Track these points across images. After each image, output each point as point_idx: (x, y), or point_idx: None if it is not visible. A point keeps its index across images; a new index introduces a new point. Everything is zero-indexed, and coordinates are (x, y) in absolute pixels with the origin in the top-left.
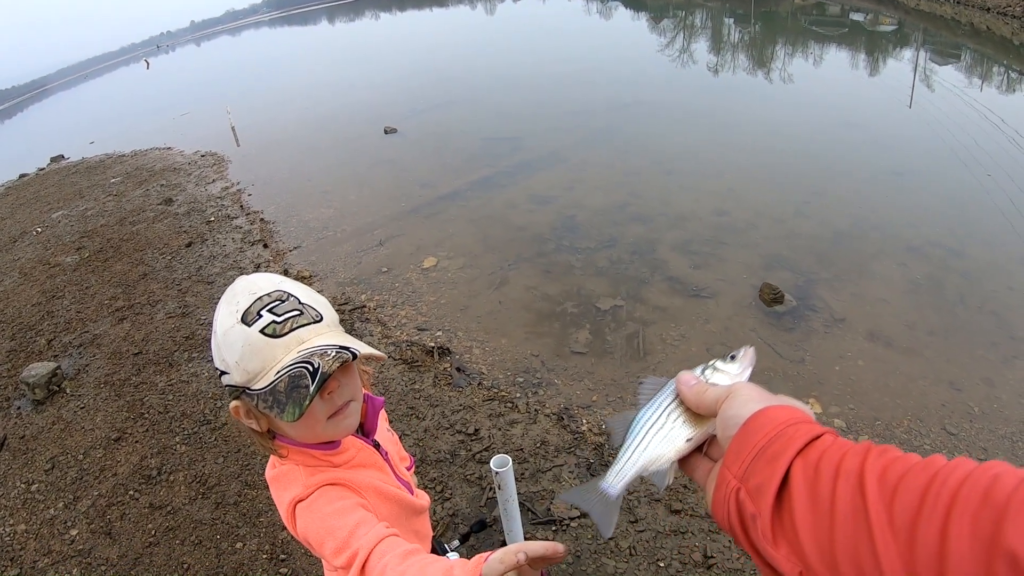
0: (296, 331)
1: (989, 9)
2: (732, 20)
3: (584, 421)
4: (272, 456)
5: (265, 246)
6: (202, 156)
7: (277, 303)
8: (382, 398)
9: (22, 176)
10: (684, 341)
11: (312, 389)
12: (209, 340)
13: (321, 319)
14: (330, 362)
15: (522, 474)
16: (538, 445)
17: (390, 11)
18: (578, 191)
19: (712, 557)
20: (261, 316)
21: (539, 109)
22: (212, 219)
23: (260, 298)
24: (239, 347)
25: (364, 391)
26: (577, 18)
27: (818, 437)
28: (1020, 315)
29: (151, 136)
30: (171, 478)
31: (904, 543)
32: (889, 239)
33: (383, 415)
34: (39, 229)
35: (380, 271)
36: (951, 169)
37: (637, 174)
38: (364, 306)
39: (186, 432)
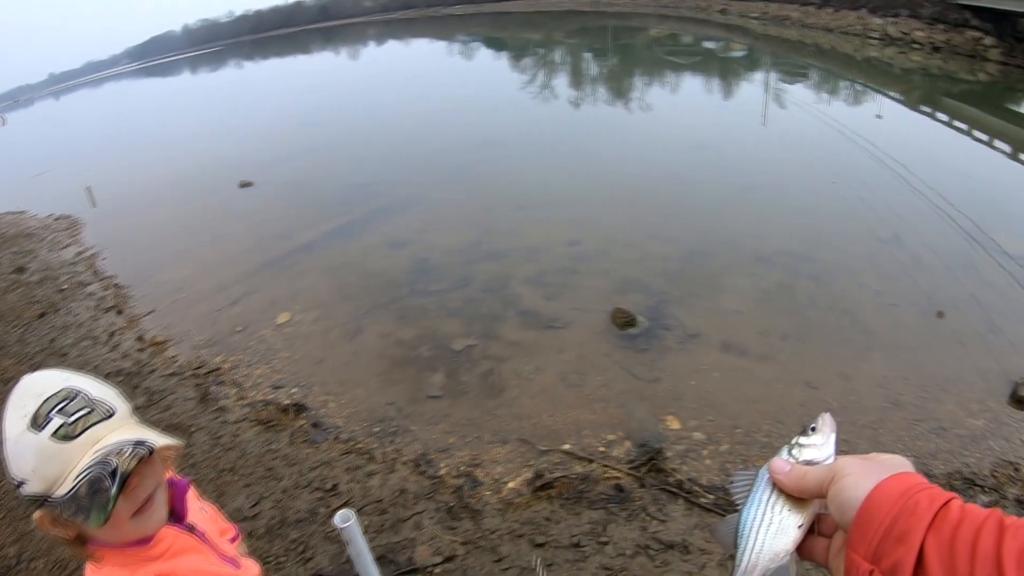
0: (89, 430)
1: (832, 30)
2: (591, 54)
3: (442, 465)
4: (88, 563)
5: (119, 312)
6: (56, 219)
7: (66, 402)
8: (187, 480)
9: None
10: (539, 373)
11: (114, 491)
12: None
13: (113, 413)
14: (128, 460)
15: (382, 526)
16: (397, 494)
17: (253, 60)
18: (432, 233)
19: None
20: (51, 419)
21: (397, 152)
22: (65, 287)
23: (47, 399)
24: (32, 455)
25: (169, 475)
26: (439, 60)
27: (944, 505)
28: (870, 310)
29: (3, 200)
30: None
31: None
32: (739, 252)
33: (192, 493)
34: None
35: (235, 330)
36: (798, 180)
37: (490, 211)
38: (219, 368)
39: None
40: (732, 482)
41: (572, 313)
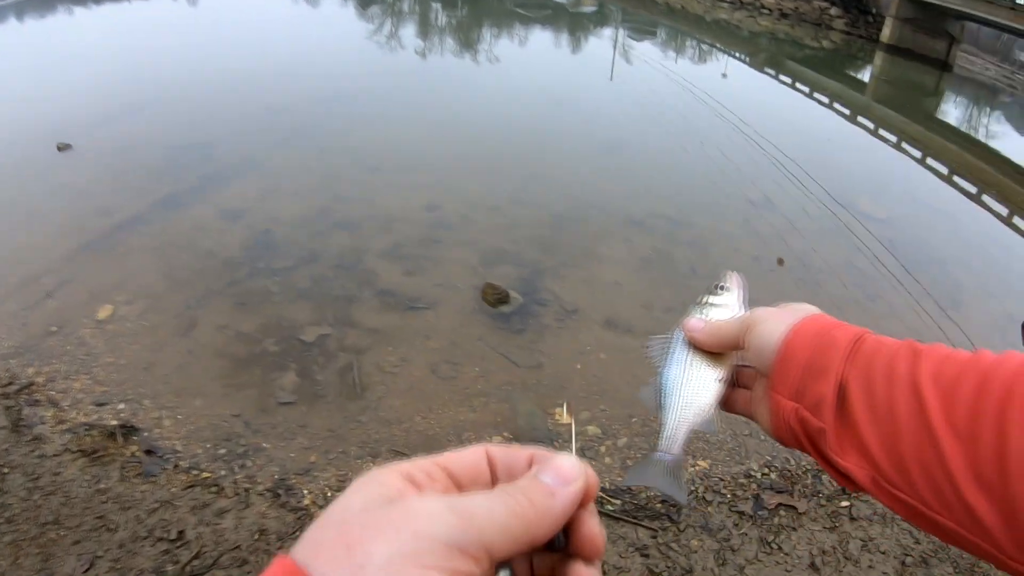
0: None
1: None
2: (439, 4)
3: (305, 492)
4: None
5: None
6: None
7: None
8: None
9: None
10: (406, 365)
11: None
12: None
13: None
14: None
15: None
16: (256, 536)
17: (85, 5)
18: (273, 201)
19: None
20: None
21: (234, 109)
22: None
23: None
24: None
25: None
26: (283, 8)
27: (859, 338)
28: (750, 275)
29: None
30: None
31: (967, 442)
32: (611, 216)
33: None
34: None
35: (49, 332)
36: (659, 139)
37: (338, 175)
38: (32, 384)
39: None
40: (648, 347)
41: (437, 291)
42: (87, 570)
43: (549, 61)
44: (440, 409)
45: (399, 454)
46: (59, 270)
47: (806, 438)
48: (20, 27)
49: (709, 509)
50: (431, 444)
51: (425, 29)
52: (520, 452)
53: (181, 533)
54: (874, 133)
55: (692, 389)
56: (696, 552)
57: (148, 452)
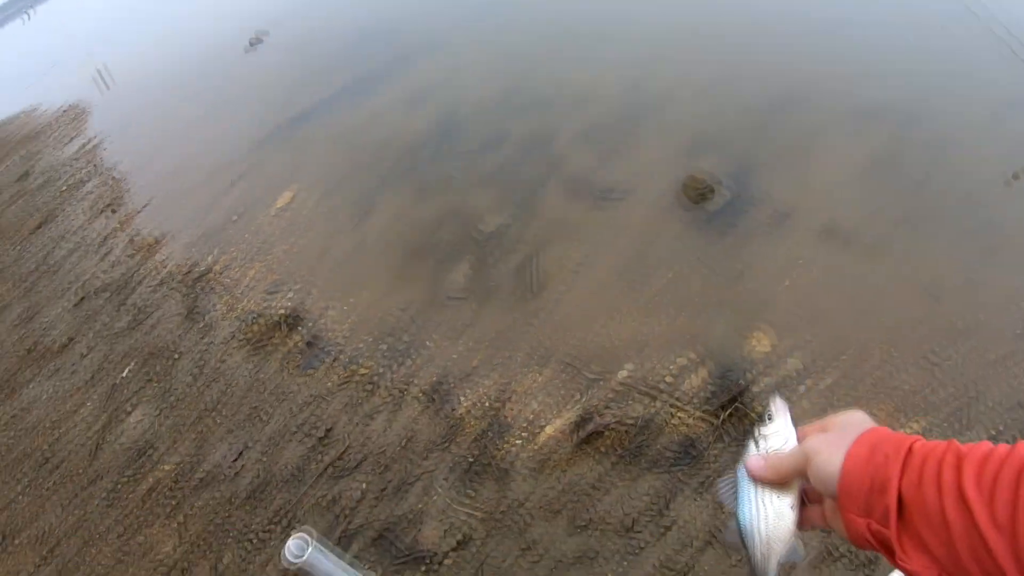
0: None
1: None
2: None
3: (462, 399)
4: None
5: (113, 211)
6: (64, 112)
7: None
8: None
9: None
10: (589, 264)
11: None
12: None
13: None
14: None
15: (383, 490)
16: (404, 443)
17: None
18: (458, 83)
19: None
20: None
21: None
22: (64, 188)
23: None
24: None
25: None
26: None
27: (909, 450)
28: (997, 192)
29: (20, 97)
30: (16, 542)
31: (1009, 535)
32: (837, 105)
33: None
34: None
35: (231, 220)
36: (904, 15)
37: (528, 52)
38: (209, 271)
39: (27, 480)
40: (719, 491)
41: (632, 180)
42: (236, 459)
43: None
44: (622, 318)
45: (569, 367)
46: (244, 159)
47: (880, 545)
48: None
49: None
50: (605, 359)
51: None
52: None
53: (329, 431)
54: None
55: (769, 523)
56: None
57: (310, 344)
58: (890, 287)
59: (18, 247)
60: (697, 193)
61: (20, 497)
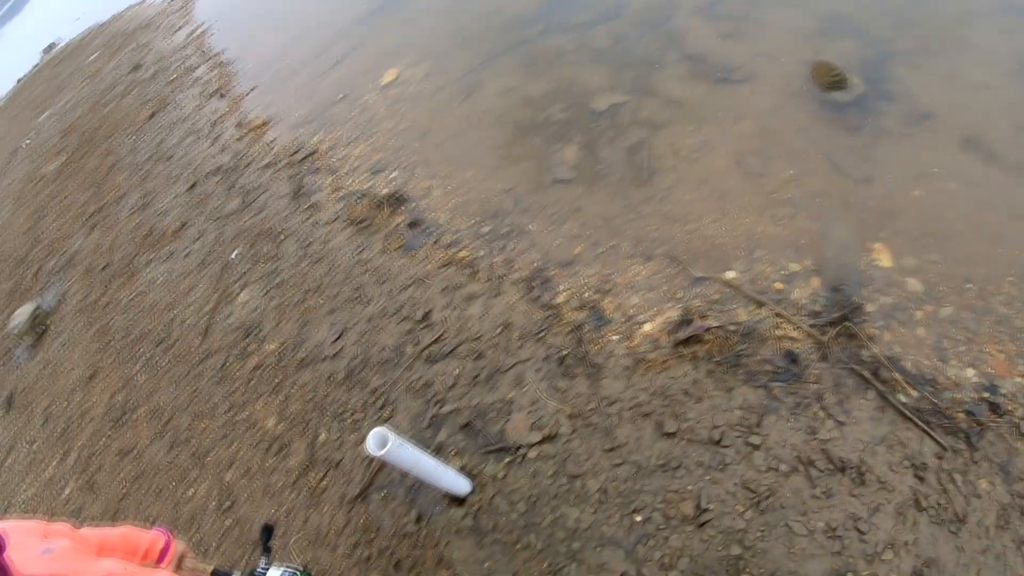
0: None
1: None
2: None
3: (561, 288)
4: None
5: (222, 96)
6: (171, 1)
7: None
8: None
9: (19, 82)
10: (706, 151)
11: None
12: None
13: None
14: None
15: (476, 376)
16: (500, 331)
17: None
18: None
19: (707, 510)
20: None
21: None
22: (174, 76)
23: None
24: None
25: None
26: None
27: None
28: None
29: None
30: (134, 416)
31: None
32: None
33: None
34: (27, 141)
35: (336, 100)
36: None
37: None
38: (315, 152)
39: (144, 358)
40: None
41: (757, 61)
42: (336, 340)
43: None
44: (736, 213)
45: (675, 261)
46: (349, 36)
47: None
48: None
49: (1020, 445)
50: (714, 256)
51: None
52: None
53: (427, 314)
54: None
55: None
56: (980, 498)
57: (412, 225)
58: None
59: (133, 137)
60: (829, 81)
61: (138, 375)
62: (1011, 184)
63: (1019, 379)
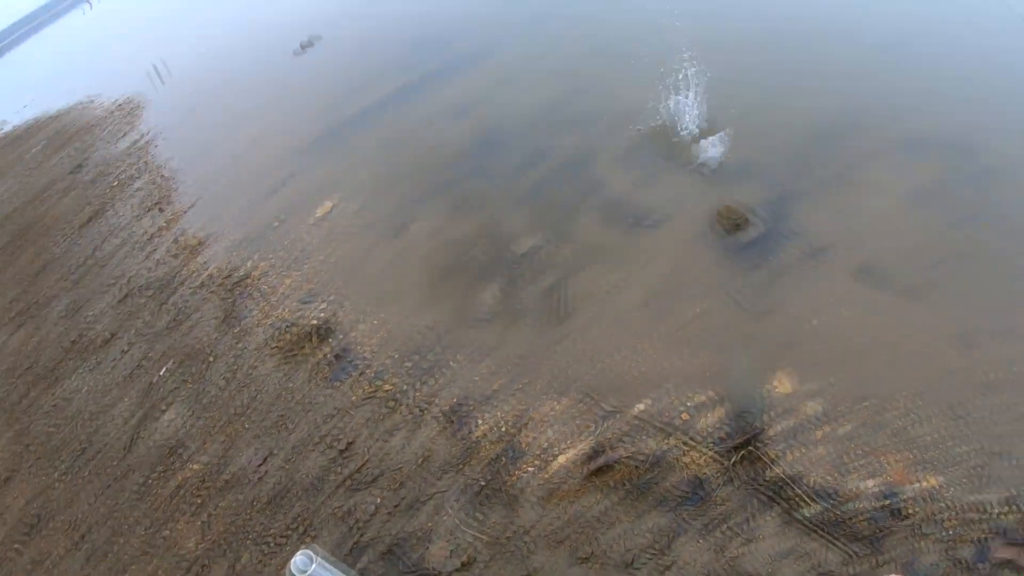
0: None
1: None
2: None
3: (479, 422)
4: None
5: (161, 210)
6: (119, 106)
7: None
8: None
9: None
10: (618, 292)
11: None
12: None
13: None
14: None
15: (396, 505)
16: (420, 462)
17: None
18: (505, 94)
19: None
20: None
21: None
22: (115, 183)
23: None
24: None
25: None
26: None
27: None
28: None
29: (82, 86)
30: (50, 525)
31: None
32: (884, 133)
33: None
34: None
35: (272, 225)
36: (961, 32)
37: (578, 62)
38: (248, 276)
39: (64, 466)
40: None
41: (667, 206)
42: (260, 464)
43: None
44: (645, 350)
45: (588, 397)
46: (290, 164)
47: None
48: None
49: (921, 544)
50: (624, 391)
51: None
52: None
53: (351, 444)
54: None
55: None
56: None
57: (339, 356)
58: (921, 333)
59: (69, 239)
60: (731, 223)
61: (56, 483)
62: (901, 306)
63: (917, 484)
